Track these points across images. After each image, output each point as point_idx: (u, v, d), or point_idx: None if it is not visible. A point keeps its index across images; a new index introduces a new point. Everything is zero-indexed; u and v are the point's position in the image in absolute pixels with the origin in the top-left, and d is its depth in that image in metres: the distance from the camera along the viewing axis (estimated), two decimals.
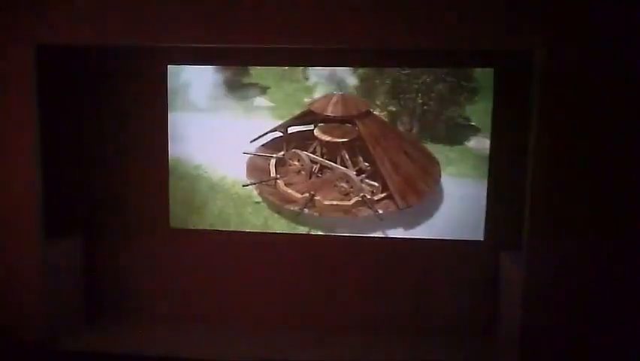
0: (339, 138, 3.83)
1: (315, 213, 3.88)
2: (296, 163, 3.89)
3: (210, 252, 4.02)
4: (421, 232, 3.83)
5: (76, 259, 3.92)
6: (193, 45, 3.49)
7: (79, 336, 3.78)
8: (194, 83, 3.87)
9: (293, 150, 3.88)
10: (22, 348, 3.51)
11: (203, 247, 4.02)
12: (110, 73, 3.94)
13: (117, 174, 4.02)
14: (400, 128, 3.78)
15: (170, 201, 3.98)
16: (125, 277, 4.08)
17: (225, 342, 3.78)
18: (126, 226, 4.05)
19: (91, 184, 4.02)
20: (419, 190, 3.81)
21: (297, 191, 3.89)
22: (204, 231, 3.99)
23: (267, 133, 3.84)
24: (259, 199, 3.92)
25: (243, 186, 3.90)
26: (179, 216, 3.98)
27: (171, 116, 3.90)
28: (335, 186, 3.87)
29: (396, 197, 3.82)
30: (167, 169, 3.95)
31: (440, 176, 3.78)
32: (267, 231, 3.94)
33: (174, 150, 3.93)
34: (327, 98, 3.79)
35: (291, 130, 3.85)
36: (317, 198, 3.87)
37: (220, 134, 3.86)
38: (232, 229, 3.96)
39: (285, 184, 3.90)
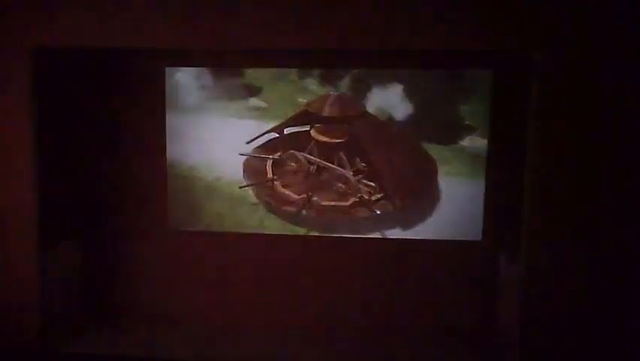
0: (336, 138, 3.82)
1: (312, 215, 3.88)
2: (293, 164, 3.88)
3: (208, 253, 4.03)
4: (419, 232, 3.82)
5: (75, 260, 3.94)
6: (191, 48, 3.50)
7: (78, 338, 3.81)
8: (190, 84, 3.88)
9: (290, 151, 3.87)
10: (22, 350, 3.55)
11: (201, 248, 4.03)
12: (108, 75, 3.95)
13: (116, 176, 4.04)
14: (397, 128, 3.77)
15: (168, 203, 3.99)
16: (124, 279, 4.10)
17: (224, 343, 3.79)
18: (125, 228, 4.07)
19: (90, 186, 4.04)
20: (416, 190, 3.80)
21: (294, 192, 3.88)
22: (202, 232, 4.00)
23: (263, 134, 3.84)
24: (256, 201, 3.92)
25: (240, 187, 3.90)
26: (176, 218, 4.00)
27: (168, 118, 3.91)
28: (332, 187, 3.86)
29: (394, 197, 3.81)
30: (165, 170, 3.96)
31: (437, 176, 3.76)
32: (265, 232, 3.95)
33: (171, 151, 3.94)
34: (323, 98, 3.77)
35: (287, 131, 3.84)
36: (314, 199, 3.86)
37: (216, 135, 3.87)
38: (229, 230, 3.97)
39: (282, 185, 3.90)
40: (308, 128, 3.84)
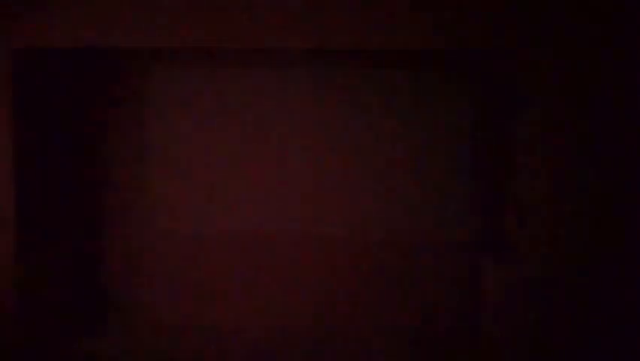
0: None
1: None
2: None
3: (202, 253, 4.02)
4: (408, 231, 3.84)
5: (63, 263, 3.91)
6: (181, 47, 3.46)
7: (75, 339, 3.78)
8: (184, 83, 3.86)
9: None
10: (11, 355, 3.53)
11: (194, 248, 4.02)
12: (96, 74, 3.90)
13: (109, 176, 4.00)
14: (389, 125, 3.78)
15: (160, 201, 3.99)
16: (117, 280, 4.07)
17: (224, 343, 3.80)
18: (117, 228, 4.04)
19: (78, 188, 4.01)
20: (409, 188, 3.85)
21: None
22: (195, 231, 3.99)
23: None
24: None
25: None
26: (168, 217, 3.99)
27: (158, 118, 3.88)
28: None
29: (382, 194, 3.83)
30: (155, 169, 3.94)
31: (427, 173, 3.79)
32: (259, 230, 3.96)
33: (162, 150, 3.89)
34: None
35: None
36: None
37: (209, 134, 3.86)
38: (223, 228, 3.96)
39: None
40: None
